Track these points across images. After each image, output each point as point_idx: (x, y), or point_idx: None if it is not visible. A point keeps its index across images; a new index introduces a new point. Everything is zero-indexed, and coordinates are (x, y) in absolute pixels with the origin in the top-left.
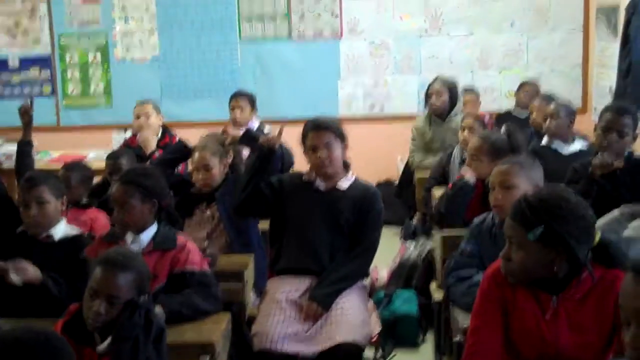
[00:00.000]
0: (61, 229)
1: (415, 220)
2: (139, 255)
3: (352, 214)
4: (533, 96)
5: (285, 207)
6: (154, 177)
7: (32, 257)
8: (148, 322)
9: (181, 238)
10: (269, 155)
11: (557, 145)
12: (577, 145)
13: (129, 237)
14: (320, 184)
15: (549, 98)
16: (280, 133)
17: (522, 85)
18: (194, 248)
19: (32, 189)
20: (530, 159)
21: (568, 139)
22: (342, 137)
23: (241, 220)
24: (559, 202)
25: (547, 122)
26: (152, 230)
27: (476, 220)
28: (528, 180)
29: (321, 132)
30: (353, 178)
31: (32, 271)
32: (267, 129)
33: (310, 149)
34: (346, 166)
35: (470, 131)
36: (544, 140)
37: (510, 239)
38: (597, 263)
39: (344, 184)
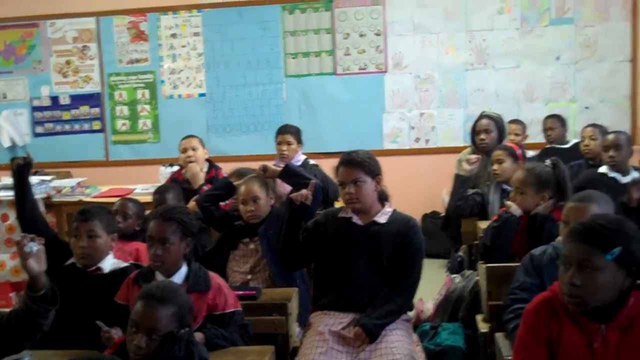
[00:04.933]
0: (109, 262)
1: (461, 253)
2: (180, 288)
3: (392, 248)
4: (556, 127)
5: (327, 245)
6: (191, 215)
7: (82, 289)
8: (189, 354)
9: (214, 278)
10: (301, 210)
11: (616, 174)
12: (635, 174)
13: (159, 278)
14: (358, 219)
15: (602, 127)
16: (312, 188)
17: (544, 120)
18: (227, 288)
19: (85, 222)
20: (602, 195)
21: (627, 169)
22: (373, 173)
23: None
24: (628, 224)
25: (610, 152)
26: (183, 271)
27: (535, 252)
28: None
29: (350, 168)
30: (391, 210)
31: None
32: (311, 162)
33: (340, 184)
34: (382, 199)
35: (499, 162)
36: (603, 169)
37: (580, 263)
38: None
39: (382, 217)
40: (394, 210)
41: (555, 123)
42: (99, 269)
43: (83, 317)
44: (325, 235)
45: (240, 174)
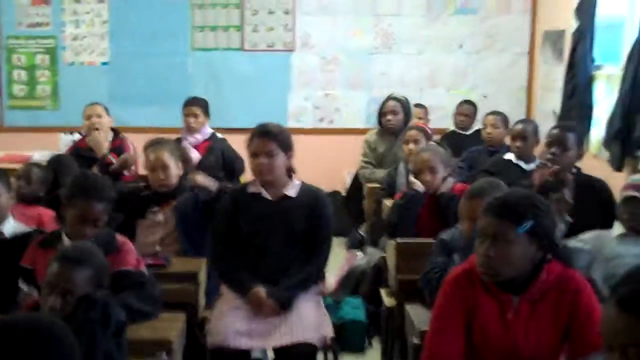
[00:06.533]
0: (10, 225)
1: (361, 231)
2: (98, 250)
3: (304, 221)
4: (471, 115)
5: (239, 221)
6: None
7: None
8: (106, 316)
9: (119, 239)
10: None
11: (521, 162)
12: (537, 162)
13: (66, 242)
14: (267, 194)
15: (503, 116)
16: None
17: (460, 104)
18: (130, 248)
19: None
20: (495, 186)
21: (531, 158)
22: (286, 147)
23: (195, 230)
24: (539, 199)
25: (518, 142)
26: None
27: (444, 235)
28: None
29: (265, 139)
30: (299, 183)
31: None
32: (219, 136)
33: (252, 155)
34: (290, 173)
35: (415, 143)
36: (509, 156)
37: (494, 236)
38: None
39: (291, 191)
40: (302, 183)
41: (471, 111)
42: (0, 232)
43: None
44: (235, 210)
45: (155, 143)
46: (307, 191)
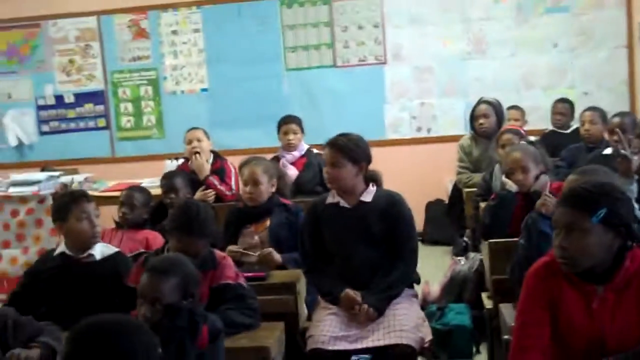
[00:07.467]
0: (99, 248)
1: (465, 237)
2: (186, 260)
3: (382, 224)
4: (567, 113)
5: (322, 232)
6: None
7: (75, 276)
8: (193, 324)
9: (219, 255)
10: None
11: None
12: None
13: None
14: (345, 203)
15: (601, 111)
16: None
17: (555, 103)
18: (228, 263)
19: (90, 203)
20: (604, 169)
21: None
22: (355, 159)
23: (290, 250)
24: (613, 186)
25: (615, 135)
26: None
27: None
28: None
29: (331, 150)
30: (374, 189)
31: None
32: (315, 152)
33: (325, 163)
34: (369, 180)
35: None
36: (609, 150)
37: (569, 227)
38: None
39: (367, 197)
40: (378, 188)
41: (567, 109)
42: (91, 255)
43: (83, 304)
44: (318, 223)
45: (250, 160)
46: (383, 195)
